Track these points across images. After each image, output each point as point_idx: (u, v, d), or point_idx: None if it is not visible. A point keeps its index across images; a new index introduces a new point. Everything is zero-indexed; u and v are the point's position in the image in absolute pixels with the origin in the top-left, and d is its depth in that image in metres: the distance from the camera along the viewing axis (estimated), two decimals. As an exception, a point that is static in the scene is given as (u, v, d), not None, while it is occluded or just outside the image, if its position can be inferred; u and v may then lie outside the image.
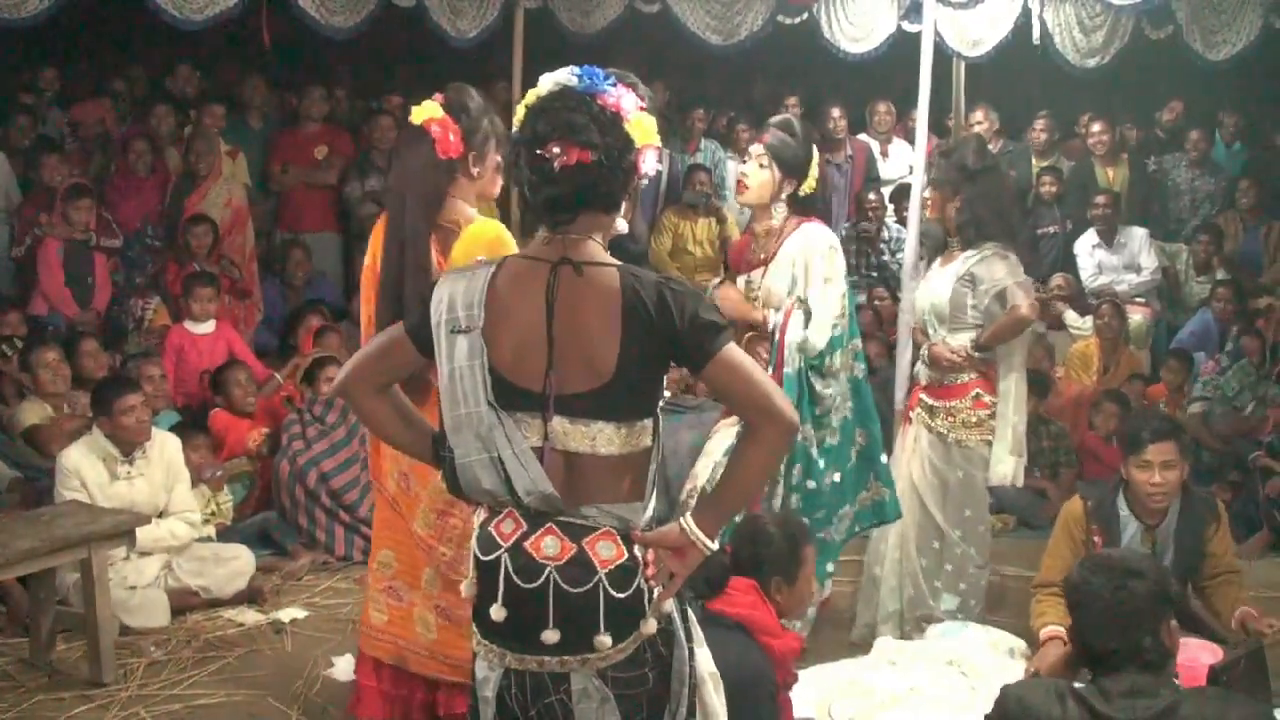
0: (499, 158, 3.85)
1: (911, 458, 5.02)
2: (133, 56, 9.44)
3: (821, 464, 4.69)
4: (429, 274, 3.67)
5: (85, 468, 5.31)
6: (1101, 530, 4.58)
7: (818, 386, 4.67)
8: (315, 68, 9.44)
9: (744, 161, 4.78)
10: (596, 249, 2.54)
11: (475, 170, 3.80)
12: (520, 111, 2.55)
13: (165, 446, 5.56)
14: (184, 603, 5.46)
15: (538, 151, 2.47)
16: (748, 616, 3.46)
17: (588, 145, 2.45)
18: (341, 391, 2.75)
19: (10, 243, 7.55)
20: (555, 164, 2.45)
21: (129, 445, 5.39)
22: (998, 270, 4.86)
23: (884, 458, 4.92)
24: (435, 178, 3.74)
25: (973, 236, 4.89)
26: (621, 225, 2.60)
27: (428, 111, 3.75)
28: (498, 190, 3.95)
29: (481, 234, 3.73)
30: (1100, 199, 8.76)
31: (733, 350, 2.47)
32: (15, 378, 6.33)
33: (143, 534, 5.21)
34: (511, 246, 3.71)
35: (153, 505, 5.46)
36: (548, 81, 2.53)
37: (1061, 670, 3.42)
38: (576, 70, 2.51)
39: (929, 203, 5.02)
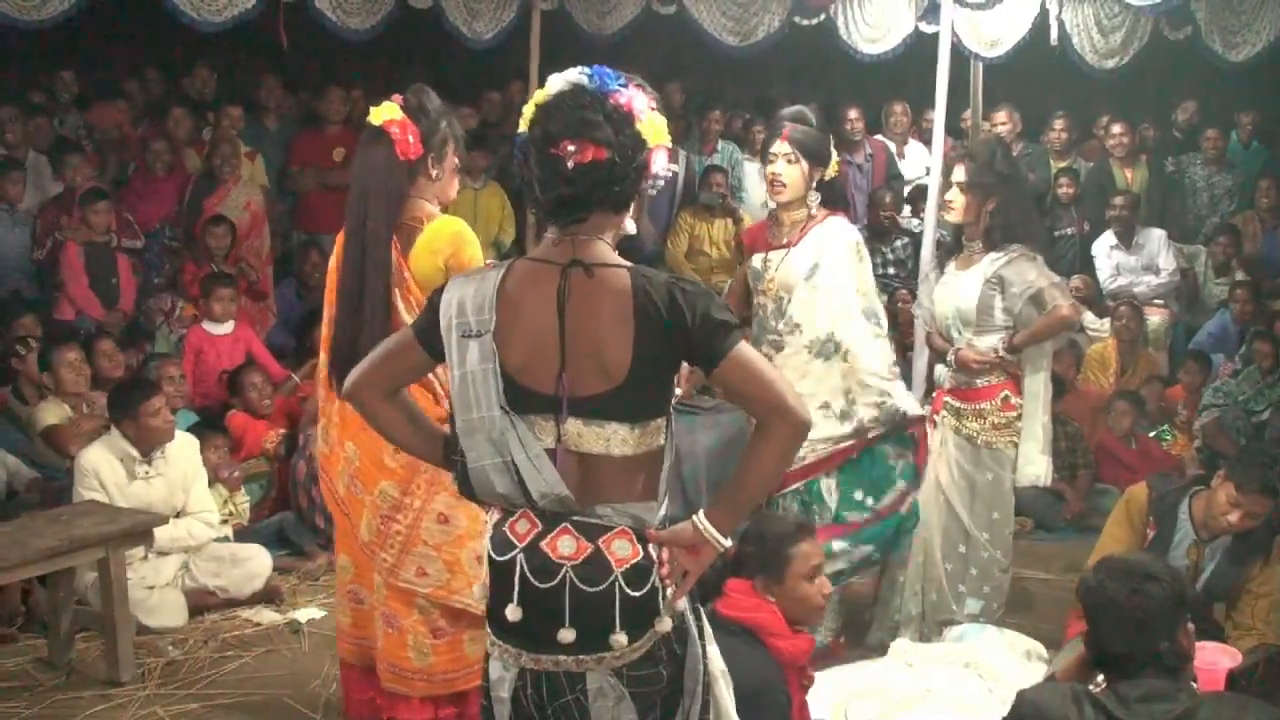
0: (457, 160, 3.86)
1: (938, 461, 4.98)
2: (149, 58, 9.46)
3: None
4: (389, 276, 3.68)
5: (104, 468, 5.33)
6: (1157, 524, 4.55)
7: None
8: (332, 69, 9.46)
9: (770, 162, 4.68)
10: (606, 250, 2.54)
11: (434, 172, 3.78)
12: (529, 111, 2.54)
13: (183, 447, 5.58)
14: (201, 603, 5.48)
15: (551, 150, 2.46)
16: (753, 619, 3.41)
17: (602, 143, 2.44)
18: (350, 396, 2.74)
19: (31, 244, 7.59)
20: (569, 162, 2.45)
21: (148, 446, 5.42)
22: (1029, 273, 4.83)
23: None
24: (395, 179, 3.72)
25: (999, 239, 4.86)
26: (629, 226, 2.59)
27: (387, 113, 3.73)
28: (454, 193, 3.92)
29: (443, 230, 3.73)
30: (1118, 200, 8.71)
31: (744, 349, 2.46)
32: (33, 378, 6.35)
33: (161, 534, 5.22)
34: (473, 242, 3.71)
35: (170, 505, 5.48)
36: (558, 81, 2.52)
37: (1076, 674, 3.38)
38: (586, 70, 2.51)
39: (962, 206, 4.89)
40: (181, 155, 8.24)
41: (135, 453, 5.40)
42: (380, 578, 3.85)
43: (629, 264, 2.52)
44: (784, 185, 4.66)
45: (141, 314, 7.62)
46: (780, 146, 4.64)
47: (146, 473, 5.43)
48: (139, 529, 4.96)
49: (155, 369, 6.52)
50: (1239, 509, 4.43)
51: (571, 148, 2.44)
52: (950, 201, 4.93)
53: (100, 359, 6.45)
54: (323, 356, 3.92)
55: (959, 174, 4.90)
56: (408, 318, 3.59)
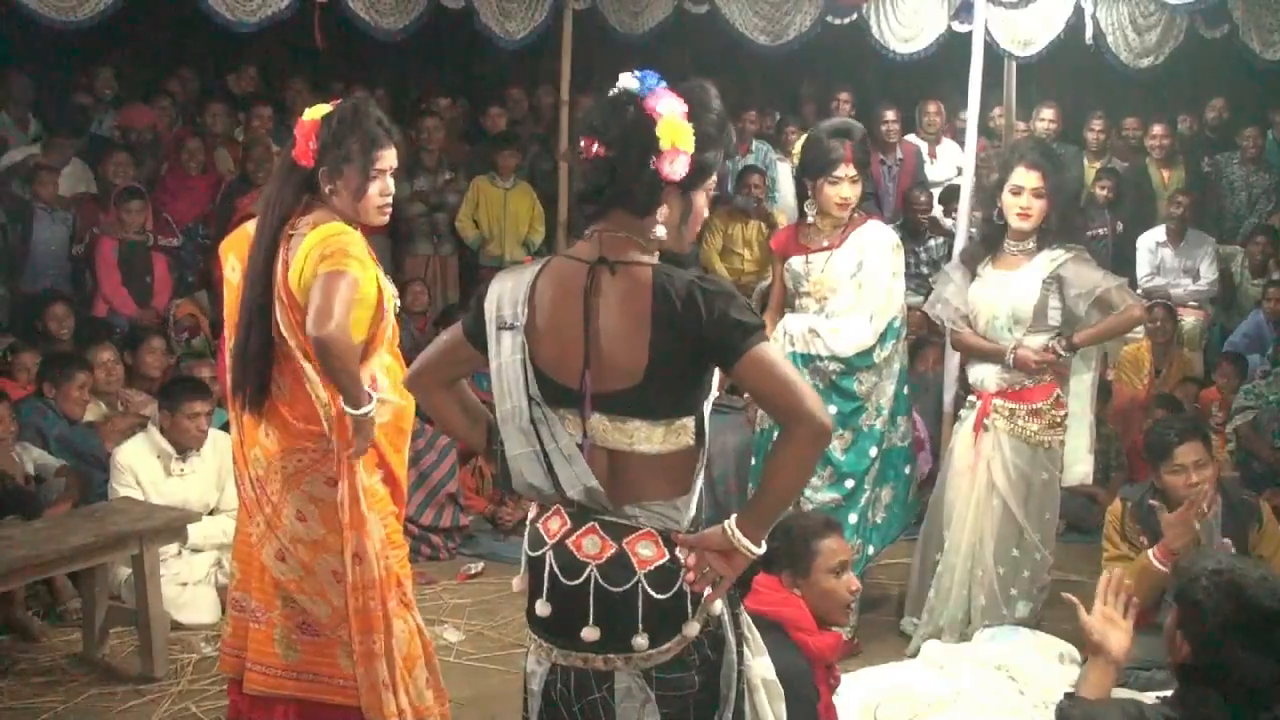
0: (366, 185, 3.64)
1: (992, 463, 4.91)
2: (182, 60, 9.52)
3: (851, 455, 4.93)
4: (265, 280, 3.60)
5: (139, 464, 5.38)
6: (1145, 531, 4.53)
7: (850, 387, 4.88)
8: (365, 70, 9.50)
9: (835, 184, 4.84)
10: (635, 248, 2.55)
11: (328, 188, 3.63)
12: None
13: (218, 445, 5.61)
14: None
15: (578, 144, 2.57)
16: (778, 613, 3.40)
17: (604, 141, 2.50)
18: (409, 386, 2.88)
19: (70, 240, 7.67)
20: (584, 157, 2.53)
21: (182, 444, 5.46)
22: (1091, 274, 4.82)
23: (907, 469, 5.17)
24: (290, 182, 3.67)
25: (1055, 238, 4.84)
26: (659, 231, 2.56)
27: (312, 113, 3.68)
28: (368, 217, 3.70)
29: (317, 234, 3.57)
30: (1181, 198, 8.68)
31: (764, 349, 2.46)
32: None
33: (194, 530, 5.27)
34: (351, 243, 3.56)
35: (205, 502, 5.53)
36: (618, 84, 2.57)
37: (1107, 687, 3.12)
38: (639, 74, 2.54)
39: (1040, 211, 4.79)
40: (214, 154, 8.29)
41: (171, 450, 5.45)
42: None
43: (654, 262, 2.54)
44: (850, 204, 4.90)
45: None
46: (846, 170, 4.85)
47: (182, 470, 5.48)
48: (173, 525, 5.00)
49: (186, 369, 6.56)
50: (1185, 469, 4.46)
51: (582, 143, 2.53)
52: (1027, 209, 4.79)
53: (146, 356, 6.57)
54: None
55: (1031, 180, 4.77)
56: (285, 332, 3.60)
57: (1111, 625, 2.93)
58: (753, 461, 5.23)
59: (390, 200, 3.76)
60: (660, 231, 2.56)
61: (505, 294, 2.58)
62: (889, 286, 4.90)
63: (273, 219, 3.68)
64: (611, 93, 2.54)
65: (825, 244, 4.95)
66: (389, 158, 3.70)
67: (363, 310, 3.65)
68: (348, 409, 3.59)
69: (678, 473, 2.55)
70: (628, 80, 2.53)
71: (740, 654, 2.63)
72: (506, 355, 2.55)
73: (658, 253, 2.59)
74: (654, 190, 2.53)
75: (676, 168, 2.51)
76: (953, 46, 7.05)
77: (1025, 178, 4.80)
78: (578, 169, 2.60)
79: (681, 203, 2.58)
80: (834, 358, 4.84)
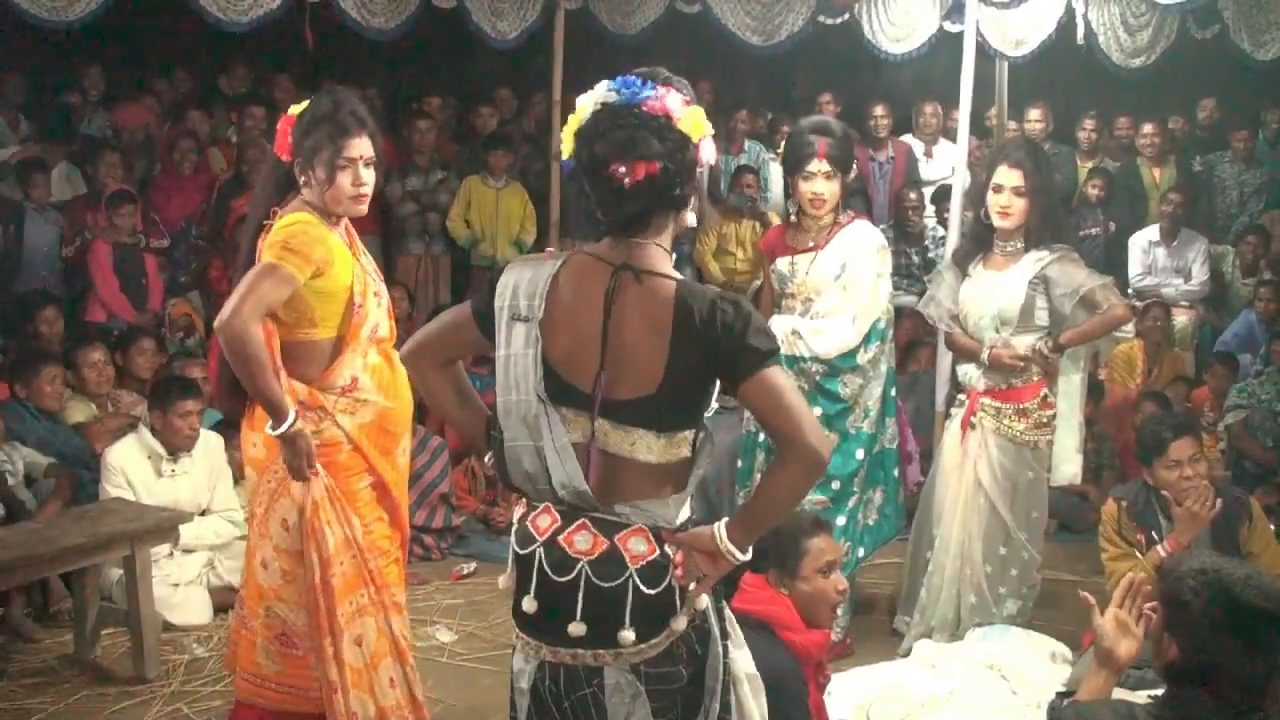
0: (334, 175, 3.62)
1: (978, 462, 4.94)
2: (175, 60, 9.51)
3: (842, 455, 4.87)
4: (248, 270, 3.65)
5: (130, 465, 5.37)
6: (1142, 528, 4.55)
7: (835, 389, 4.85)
8: (356, 70, 9.48)
9: (808, 179, 4.79)
10: (660, 256, 2.55)
11: (301, 179, 3.66)
12: (568, 136, 2.55)
13: (209, 445, 5.61)
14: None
15: (603, 173, 2.48)
16: (764, 612, 3.40)
17: (651, 157, 2.46)
18: (406, 360, 2.83)
19: (60, 242, 7.64)
20: (624, 183, 2.46)
21: (173, 444, 5.45)
22: (1077, 274, 4.82)
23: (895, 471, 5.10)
24: (273, 175, 3.73)
25: (1044, 238, 4.84)
26: (690, 219, 2.61)
27: (297, 108, 3.70)
28: (341, 208, 3.68)
29: (278, 224, 3.60)
30: (1174, 197, 8.70)
31: (774, 374, 2.46)
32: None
33: (186, 531, 5.26)
34: (297, 234, 3.55)
35: (196, 503, 5.51)
36: (588, 103, 2.53)
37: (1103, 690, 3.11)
38: (611, 84, 2.52)
39: (1021, 210, 4.80)
40: (206, 154, 8.28)
41: (162, 450, 5.44)
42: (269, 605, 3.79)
43: (678, 276, 2.55)
44: (824, 201, 4.83)
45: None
46: (819, 165, 4.79)
47: (173, 470, 5.46)
48: (164, 526, 4.99)
49: (177, 368, 6.55)
50: (1180, 464, 4.43)
51: (623, 169, 2.46)
52: (1007, 208, 4.82)
53: (136, 357, 6.54)
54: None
55: (1012, 178, 4.80)
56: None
57: (1124, 632, 2.91)
58: (739, 463, 5.22)
59: (364, 190, 3.69)
60: (691, 219, 2.61)
61: (522, 284, 2.56)
62: (873, 287, 4.85)
63: (256, 216, 3.72)
64: (596, 110, 2.49)
65: (811, 245, 4.90)
66: (359, 146, 3.65)
67: (333, 304, 3.65)
68: (268, 429, 3.58)
69: (674, 483, 2.56)
70: (605, 95, 2.50)
71: (725, 648, 2.65)
72: (518, 347, 2.54)
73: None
74: (693, 183, 2.56)
75: (708, 153, 2.55)
76: (945, 46, 7.06)
77: (1006, 176, 4.82)
78: (615, 194, 2.47)
79: (695, 187, 2.60)
80: (817, 359, 4.81)
